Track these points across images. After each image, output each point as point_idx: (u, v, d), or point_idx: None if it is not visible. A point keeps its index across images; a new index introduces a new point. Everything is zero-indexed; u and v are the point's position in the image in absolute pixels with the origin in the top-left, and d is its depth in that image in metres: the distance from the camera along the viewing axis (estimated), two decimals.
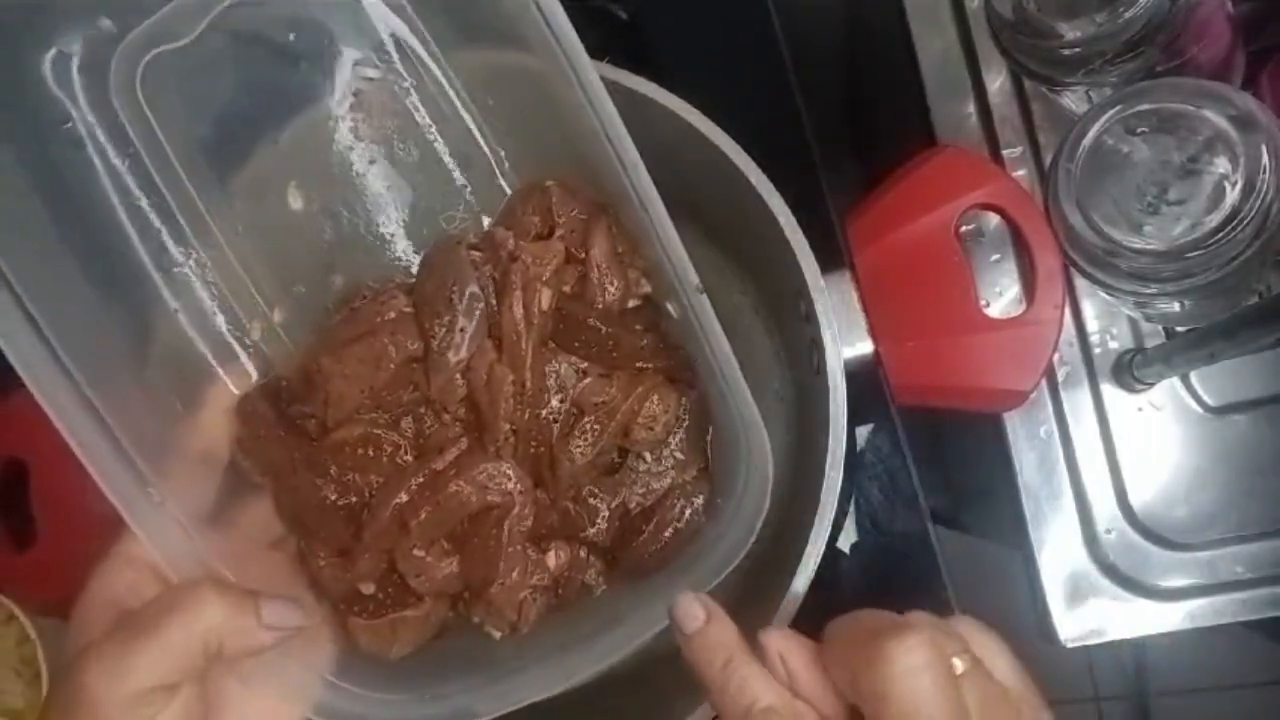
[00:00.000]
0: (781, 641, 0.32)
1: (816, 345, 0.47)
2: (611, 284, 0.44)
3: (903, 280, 0.51)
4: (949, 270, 0.51)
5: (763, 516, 0.40)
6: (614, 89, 0.47)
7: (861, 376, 0.49)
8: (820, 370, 0.46)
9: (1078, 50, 0.49)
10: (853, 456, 0.53)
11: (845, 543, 0.55)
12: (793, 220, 0.46)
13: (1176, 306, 0.52)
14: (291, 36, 0.44)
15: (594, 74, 0.37)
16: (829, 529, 0.45)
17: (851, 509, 0.56)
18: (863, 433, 0.55)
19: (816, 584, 0.45)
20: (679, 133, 0.47)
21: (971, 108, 0.57)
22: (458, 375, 0.43)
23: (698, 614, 0.33)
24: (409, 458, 0.44)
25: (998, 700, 0.30)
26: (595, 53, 0.56)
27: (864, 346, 0.49)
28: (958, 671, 0.29)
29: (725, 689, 0.32)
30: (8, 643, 0.56)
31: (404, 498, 0.42)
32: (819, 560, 0.44)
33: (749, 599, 0.54)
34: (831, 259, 0.49)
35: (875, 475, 0.55)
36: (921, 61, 0.58)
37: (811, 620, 0.44)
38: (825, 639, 0.32)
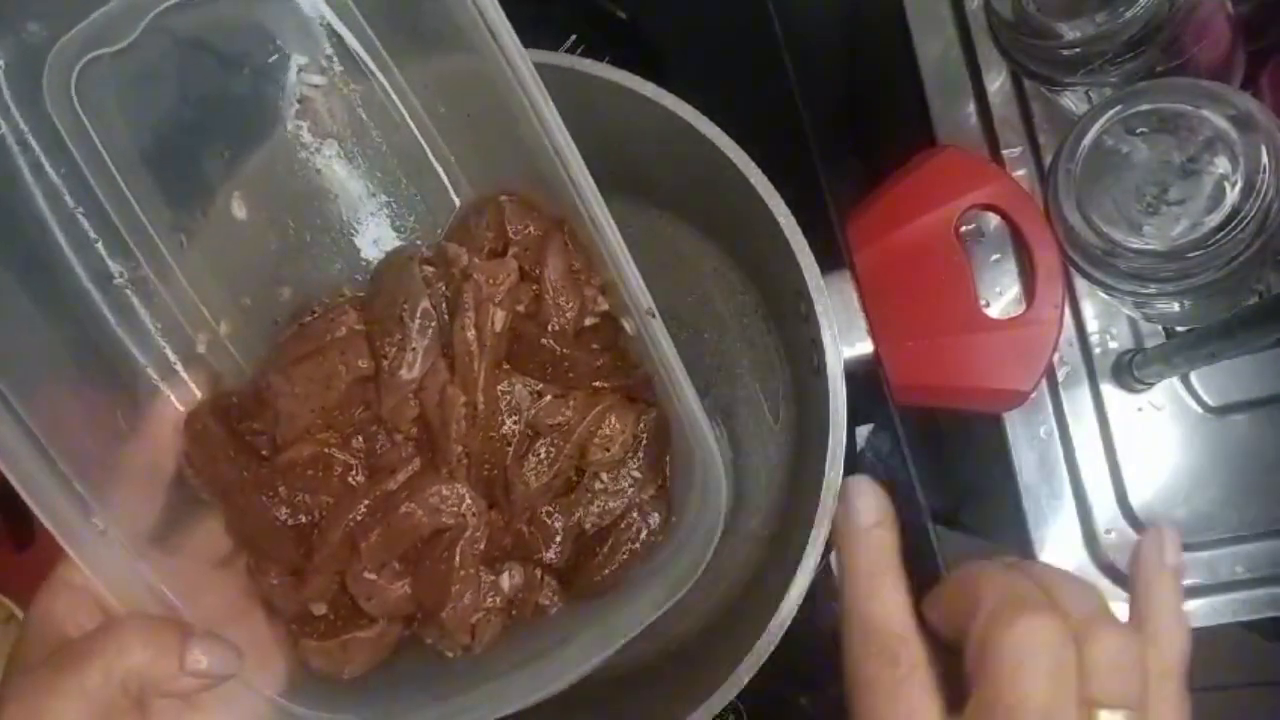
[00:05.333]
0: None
1: (816, 345, 0.46)
2: (567, 304, 0.43)
3: (903, 280, 0.51)
4: (949, 270, 0.51)
5: (718, 535, 0.39)
6: (614, 89, 0.48)
7: (861, 376, 0.49)
8: (820, 370, 0.46)
9: (1078, 50, 0.49)
10: (853, 456, 0.53)
11: None
12: (793, 220, 0.46)
13: (1176, 306, 0.52)
14: (234, 42, 0.42)
15: (542, 91, 0.36)
16: (829, 529, 0.44)
17: None
18: (863, 433, 0.55)
19: (815, 585, 0.45)
20: (678, 133, 0.47)
21: (971, 108, 0.57)
22: (410, 395, 0.42)
23: (875, 507, 0.32)
24: (360, 478, 0.43)
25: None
26: (595, 53, 0.57)
27: (864, 346, 0.49)
28: None
29: (871, 596, 0.31)
30: (7, 642, 0.56)
31: (355, 519, 0.42)
32: (819, 561, 0.44)
33: (749, 600, 0.54)
34: (831, 259, 0.49)
35: (875, 475, 0.55)
36: (921, 61, 0.58)
37: (809, 622, 0.44)
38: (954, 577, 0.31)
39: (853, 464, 0.53)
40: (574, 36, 0.60)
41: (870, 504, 0.32)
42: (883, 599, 0.31)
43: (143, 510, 0.39)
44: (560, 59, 0.48)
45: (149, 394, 0.41)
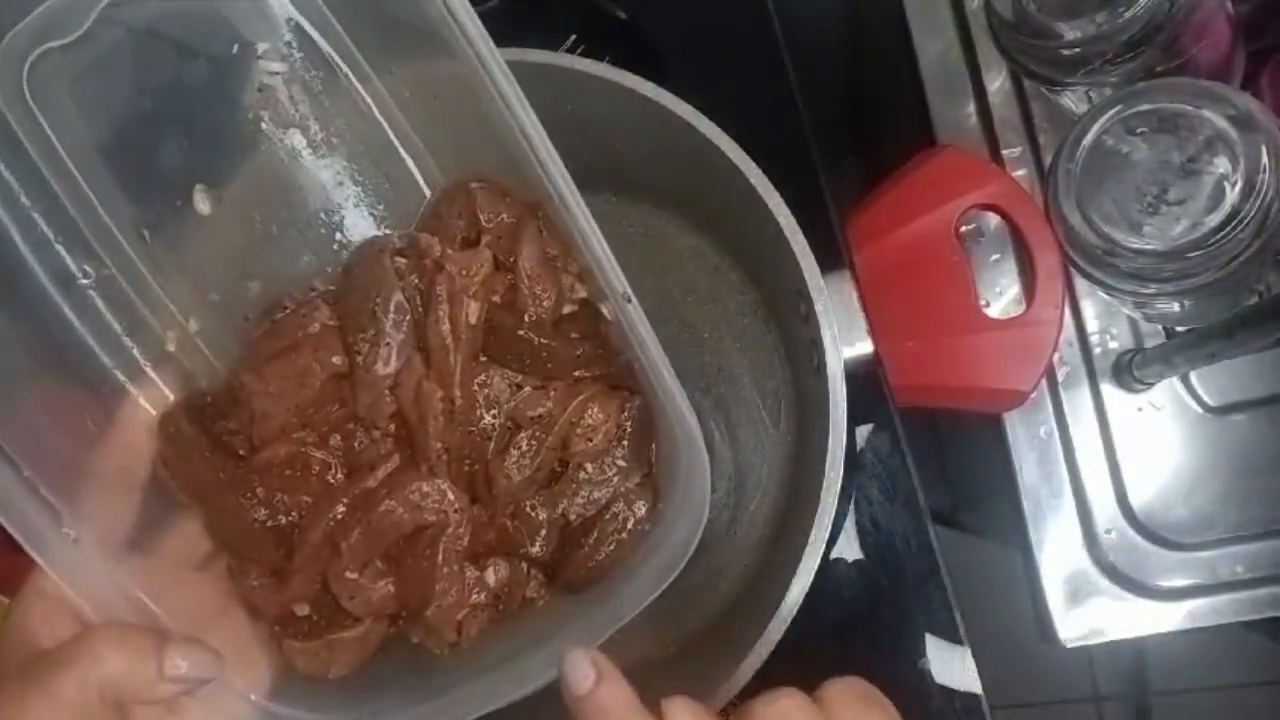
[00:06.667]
0: (683, 713, 0.30)
1: (816, 345, 0.46)
2: (543, 293, 0.42)
3: (903, 280, 0.51)
4: (949, 270, 0.51)
5: (703, 523, 0.39)
6: (614, 89, 0.48)
7: (861, 376, 0.49)
8: (820, 370, 0.46)
9: (1078, 50, 0.49)
10: (853, 456, 0.53)
11: (844, 543, 0.55)
12: (793, 220, 0.46)
13: (1176, 306, 0.52)
14: (189, 31, 0.41)
15: (506, 74, 0.36)
16: (829, 529, 0.44)
17: (851, 509, 0.56)
18: (863, 433, 0.55)
19: (816, 585, 0.45)
20: (678, 133, 0.47)
21: (971, 108, 0.57)
22: (386, 391, 0.41)
23: (588, 673, 0.31)
24: (339, 476, 0.42)
25: None
26: (595, 53, 0.56)
27: (864, 346, 0.49)
28: None
29: None
30: None
31: (335, 518, 0.41)
32: (819, 560, 0.44)
33: (749, 600, 0.54)
34: (831, 259, 0.49)
35: (875, 475, 0.55)
36: (921, 61, 0.58)
37: (810, 622, 0.45)
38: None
39: (853, 464, 0.53)
40: (574, 36, 0.60)
41: (581, 669, 0.31)
42: None
43: (116, 515, 0.38)
44: (560, 59, 0.48)
45: (118, 395, 0.40)
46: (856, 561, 0.55)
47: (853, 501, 0.55)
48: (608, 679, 0.31)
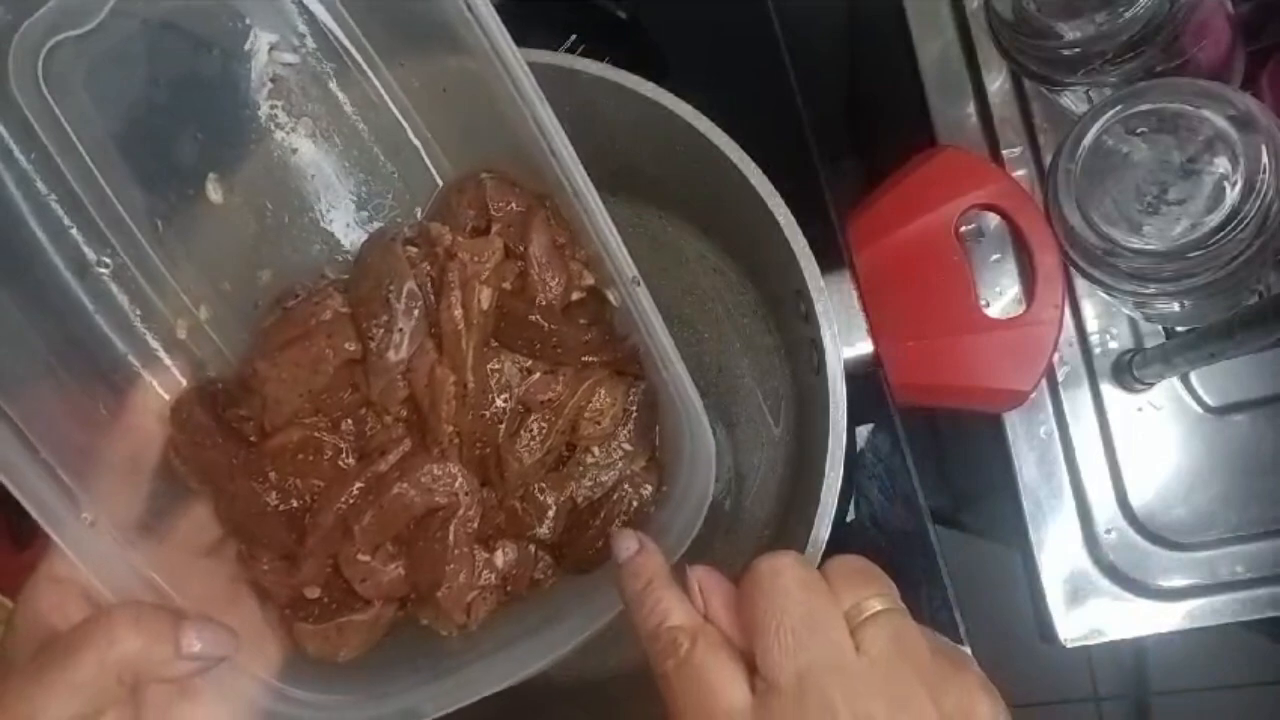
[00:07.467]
0: (704, 575, 0.34)
1: (816, 345, 0.46)
2: (553, 279, 0.43)
3: (903, 280, 0.51)
4: (949, 270, 0.51)
5: (707, 504, 0.40)
6: (614, 89, 0.48)
7: (861, 376, 0.49)
8: (820, 370, 0.46)
9: (1078, 50, 0.49)
10: (853, 456, 0.53)
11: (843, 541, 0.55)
12: (793, 220, 0.46)
13: (1176, 306, 0.52)
14: (203, 22, 0.42)
15: (521, 64, 0.36)
16: (829, 529, 0.45)
17: (851, 509, 0.56)
18: (863, 433, 0.55)
19: None
20: (678, 132, 0.47)
21: (971, 108, 0.57)
22: (398, 377, 0.42)
23: (631, 545, 0.36)
24: (351, 460, 0.43)
25: (915, 641, 0.31)
26: (595, 53, 0.56)
27: (864, 346, 0.49)
28: (874, 609, 0.31)
29: (641, 607, 0.33)
30: None
31: (347, 502, 0.41)
32: (819, 560, 0.44)
33: None
34: (831, 259, 0.49)
35: (875, 475, 0.55)
36: (921, 62, 0.58)
37: None
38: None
39: (853, 464, 0.53)
40: (574, 36, 0.60)
41: (626, 543, 0.36)
42: (653, 605, 0.33)
43: (128, 500, 0.39)
44: (560, 59, 0.48)
45: (130, 382, 0.41)
46: None
47: (853, 501, 0.55)
48: (646, 549, 0.36)
